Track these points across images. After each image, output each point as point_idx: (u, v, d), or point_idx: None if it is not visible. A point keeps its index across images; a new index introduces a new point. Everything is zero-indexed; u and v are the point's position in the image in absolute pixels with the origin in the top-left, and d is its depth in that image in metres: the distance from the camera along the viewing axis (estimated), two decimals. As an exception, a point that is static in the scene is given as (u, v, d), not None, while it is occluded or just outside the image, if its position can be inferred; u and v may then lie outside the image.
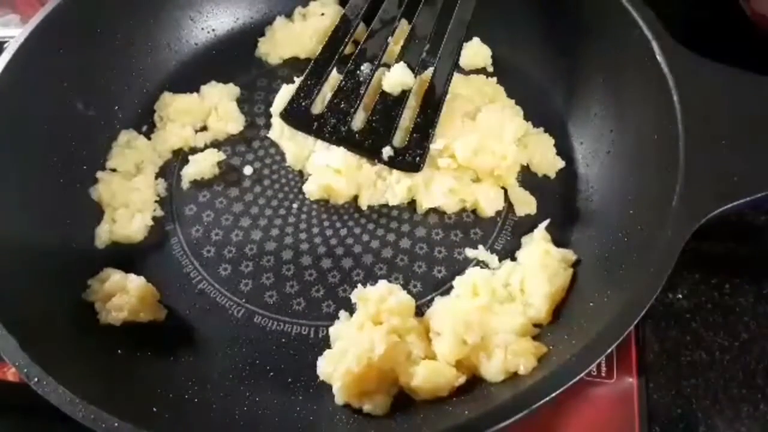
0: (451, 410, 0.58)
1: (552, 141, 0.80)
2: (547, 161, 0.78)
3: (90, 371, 0.61)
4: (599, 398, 0.65)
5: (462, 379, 0.61)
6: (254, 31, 0.94)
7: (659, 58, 0.67)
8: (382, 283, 0.69)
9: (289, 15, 0.94)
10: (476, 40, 0.88)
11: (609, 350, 0.53)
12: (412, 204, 0.78)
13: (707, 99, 0.64)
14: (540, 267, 0.67)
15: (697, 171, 0.60)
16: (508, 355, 0.60)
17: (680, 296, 0.73)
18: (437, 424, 0.55)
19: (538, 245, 0.70)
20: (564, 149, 0.80)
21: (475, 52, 0.88)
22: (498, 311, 0.64)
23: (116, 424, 0.52)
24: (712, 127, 0.62)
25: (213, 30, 0.93)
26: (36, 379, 0.54)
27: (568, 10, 0.79)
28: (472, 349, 0.61)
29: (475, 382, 0.61)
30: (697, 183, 0.60)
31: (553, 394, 0.51)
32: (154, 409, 0.58)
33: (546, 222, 0.73)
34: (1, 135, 0.71)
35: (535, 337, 0.63)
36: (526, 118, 0.81)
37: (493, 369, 0.60)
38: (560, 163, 0.79)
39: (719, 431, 0.65)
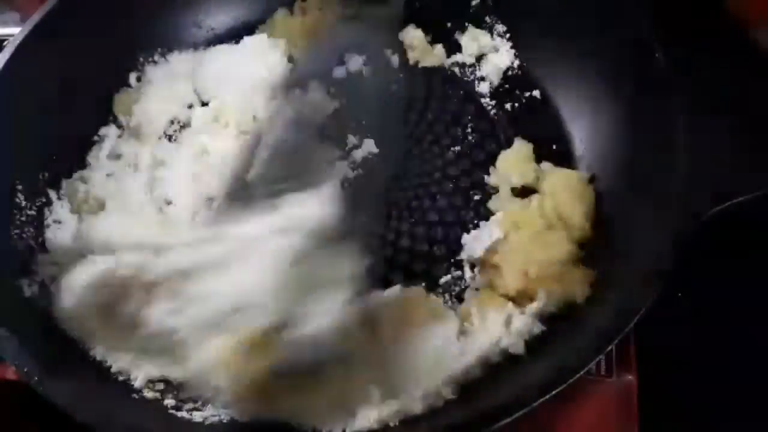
0: (451, 409, 0.58)
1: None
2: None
3: (90, 371, 0.61)
4: (599, 396, 0.64)
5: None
6: (254, 30, 0.93)
7: (659, 57, 0.67)
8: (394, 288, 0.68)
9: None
10: (476, 39, 0.88)
11: (608, 348, 0.53)
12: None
13: (707, 99, 0.64)
14: (567, 190, 0.70)
15: (697, 170, 0.60)
16: (564, 285, 0.63)
17: (680, 296, 0.73)
18: (437, 423, 0.55)
19: (556, 171, 0.74)
20: (563, 148, 0.80)
21: (475, 52, 0.88)
22: (545, 241, 0.67)
23: (116, 424, 0.52)
24: (712, 126, 0.62)
25: (213, 29, 0.93)
26: (36, 379, 0.54)
27: (568, 10, 0.79)
28: (531, 281, 0.64)
29: (474, 381, 0.61)
30: (697, 182, 0.60)
31: (552, 392, 0.51)
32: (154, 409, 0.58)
33: None
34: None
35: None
36: (526, 117, 0.82)
37: (550, 300, 0.63)
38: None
39: (719, 431, 0.65)
